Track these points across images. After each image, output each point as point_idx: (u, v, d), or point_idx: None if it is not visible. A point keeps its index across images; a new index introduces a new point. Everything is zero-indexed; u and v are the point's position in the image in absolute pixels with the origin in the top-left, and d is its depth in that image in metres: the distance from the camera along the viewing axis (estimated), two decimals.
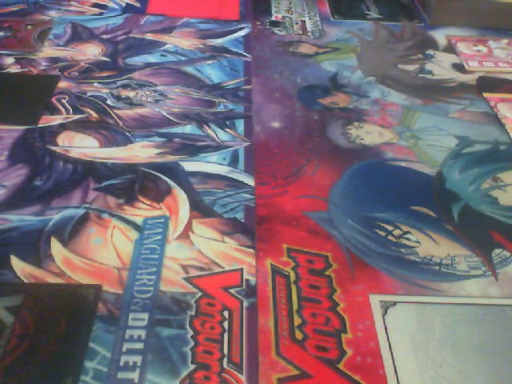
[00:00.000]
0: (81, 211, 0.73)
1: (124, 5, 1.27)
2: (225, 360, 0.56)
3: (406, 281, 0.66)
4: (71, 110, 0.92)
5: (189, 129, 0.90)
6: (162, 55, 1.09)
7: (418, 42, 1.20)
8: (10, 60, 1.03)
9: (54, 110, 0.91)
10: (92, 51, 1.09)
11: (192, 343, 0.58)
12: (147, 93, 0.97)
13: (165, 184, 0.78)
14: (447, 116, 0.97)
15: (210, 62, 1.08)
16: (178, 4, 1.28)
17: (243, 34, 1.19)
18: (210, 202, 0.75)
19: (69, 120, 0.90)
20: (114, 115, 0.91)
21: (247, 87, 1.01)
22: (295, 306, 0.62)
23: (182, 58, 1.08)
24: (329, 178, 0.81)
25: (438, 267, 0.68)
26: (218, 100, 0.97)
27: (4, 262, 0.65)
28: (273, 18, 1.26)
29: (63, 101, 0.94)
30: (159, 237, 0.69)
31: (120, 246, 0.68)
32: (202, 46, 1.13)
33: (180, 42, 1.14)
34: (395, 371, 0.56)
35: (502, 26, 1.25)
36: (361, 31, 1.22)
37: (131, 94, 0.97)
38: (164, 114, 0.93)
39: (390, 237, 0.72)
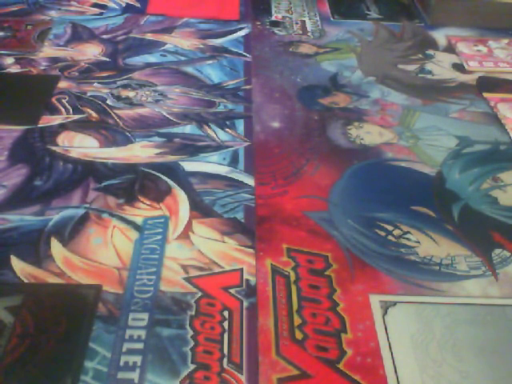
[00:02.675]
0: (81, 211, 0.73)
1: (124, 5, 1.27)
2: (225, 360, 0.56)
3: (405, 281, 0.66)
4: (71, 110, 0.92)
5: (189, 129, 0.90)
6: (162, 55, 1.09)
7: (417, 42, 1.20)
8: (9, 60, 1.03)
9: (53, 110, 0.91)
10: (92, 51, 1.09)
11: (192, 343, 0.58)
12: (147, 93, 0.97)
13: (165, 184, 0.78)
14: (447, 116, 0.97)
15: (210, 61, 1.08)
16: (177, 4, 1.28)
17: (243, 33, 1.19)
18: (210, 201, 0.75)
19: (69, 120, 0.90)
20: (114, 115, 0.91)
21: (247, 87, 1.01)
22: (295, 306, 0.62)
23: (182, 58, 1.08)
24: (329, 178, 0.81)
25: (438, 267, 0.68)
26: (218, 100, 0.97)
27: (4, 262, 0.65)
28: (273, 18, 1.27)
29: (63, 101, 0.94)
30: (159, 237, 0.69)
31: (120, 246, 0.68)
32: (202, 46, 1.13)
33: (180, 41, 1.14)
34: (395, 371, 0.56)
35: (502, 26, 1.25)
36: (361, 31, 1.22)
37: (131, 94, 0.97)
38: (164, 113, 0.93)
39: (390, 237, 0.72)
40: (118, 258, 0.66)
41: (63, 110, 0.92)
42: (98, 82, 0.99)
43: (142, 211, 0.73)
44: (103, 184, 0.77)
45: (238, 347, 0.57)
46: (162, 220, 0.72)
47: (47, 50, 1.08)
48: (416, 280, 0.66)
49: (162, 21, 1.21)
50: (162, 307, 0.61)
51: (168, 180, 0.78)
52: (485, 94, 1.02)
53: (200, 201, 0.75)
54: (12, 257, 0.66)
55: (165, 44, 1.13)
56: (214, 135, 0.88)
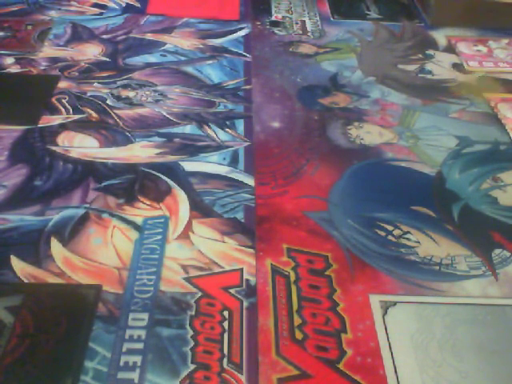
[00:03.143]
0: (81, 211, 0.73)
1: (124, 5, 1.27)
2: (225, 360, 0.56)
3: (405, 281, 0.66)
4: (71, 110, 0.92)
5: (189, 129, 0.90)
6: (162, 55, 1.09)
7: (417, 41, 1.20)
8: (10, 60, 1.03)
9: (54, 110, 0.91)
10: (92, 51, 1.09)
11: (192, 343, 0.58)
12: (147, 93, 0.97)
13: (165, 184, 0.78)
14: (447, 116, 0.96)
15: (210, 62, 1.08)
16: (178, 4, 1.28)
17: (243, 33, 1.19)
18: (210, 202, 0.75)
19: (69, 120, 0.90)
20: (114, 115, 0.91)
21: (247, 87, 1.01)
22: (295, 306, 0.62)
23: (182, 58, 1.08)
24: (329, 178, 0.81)
25: (438, 267, 0.68)
26: (218, 100, 0.97)
27: (4, 262, 0.65)
28: (273, 18, 1.27)
29: (63, 101, 0.94)
30: (159, 237, 0.69)
31: (120, 246, 0.68)
32: (201, 46, 1.13)
33: (180, 41, 1.14)
34: (395, 371, 0.56)
35: (502, 26, 1.25)
36: (361, 31, 1.22)
37: (131, 94, 0.97)
38: (164, 113, 0.93)
39: (390, 237, 0.72)
40: (118, 258, 0.66)
41: (63, 110, 0.92)
42: (98, 82, 0.99)
43: (142, 211, 0.73)
44: (103, 184, 0.77)
45: (238, 347, 0.57)
46: (162, 220, 0.72)
47: (47, 50, 1.08)
48: (416, 280, 0.66)
49: (161, 21, 1.21)
50: (162, 307, 0.61)
51: (168, 180, 0.78)
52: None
53: (200, 201, 0.75)
54: (12, 257, 0.66)
55: (165, 44, 1.13)
56: (214, 135, 0.88)
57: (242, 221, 0.73)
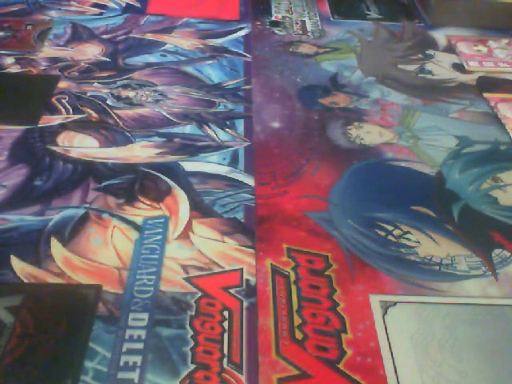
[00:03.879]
0: (81, 211, 0.73)
1: (124, 5, 1.27)
2: (225, 360, 0.56)
3: (405, 281, 0.66)
4: (71, 110, 0.92)
5: (189, 129, 0.90)
6: (162, 55, 1.09)
7: (418, 41, 1.20)
8: (10, 60, 1.03)
9: (53, 110, 0.91)
10: (92, 51, 1.09)
11: (192, 343, 0.58)
12: (147, 93, 0.97)
13: (165, 184, 0.78)
14: (447, 116, 0.97)
15: (210, 62, 1.08)
16: (178, 4, 1.28)
17: (243, 33, 1.19)
18: (210, 202, 0.75)
19: (69, 120, 0.90)
20: (114, 115, 0.91)
21: (247, 87, 1.01)
22: (295, 306, 0.62)
23: (182, 58, 1.08)
24: (329, 178, 0.81)
25: (438, 267, 0.68)
26: (218, 100, 0.97)
27: (4, 262, 0.65)
28: (273, 18, 1.27)
29: (63, 101, 0.94)
30: (159, 237, 0.69)
31: (120, 246, 0.68)
32: (202, 46, 1.13)
33: (180, 42, 1.14)
34: (395, 371, 0.56)
35: (502, 25, 1.25)
36: (361, 31, 1.22)
37: (131, 94, 0.97)
38: (164, 113, 0.93)
39: (390, 237, 0.72)
40: (118, 258, 0.66)
41: (63, 110, 0.92)
42: (98, 82, 0.99)
43: (142, 211, 0.73)
44: (103, 184, 0.77)
45: (237, 347, 0.57)
46: (162, 220, 0.72)
47: (47, 50, 1.08)
48: (416, 280, 0.66)
49: (162, 21, 1.21)
50: (162, 307, 0.61)
51: (168, 180, 0.78)
52: (485, 94, 1.02)
53: (200, 201, 0.75)
54: (12, 257, 0.66)
55: (165, 44, 1.13)
56: (214, 135, 0.88)
57: (242, 221, 0.73)
